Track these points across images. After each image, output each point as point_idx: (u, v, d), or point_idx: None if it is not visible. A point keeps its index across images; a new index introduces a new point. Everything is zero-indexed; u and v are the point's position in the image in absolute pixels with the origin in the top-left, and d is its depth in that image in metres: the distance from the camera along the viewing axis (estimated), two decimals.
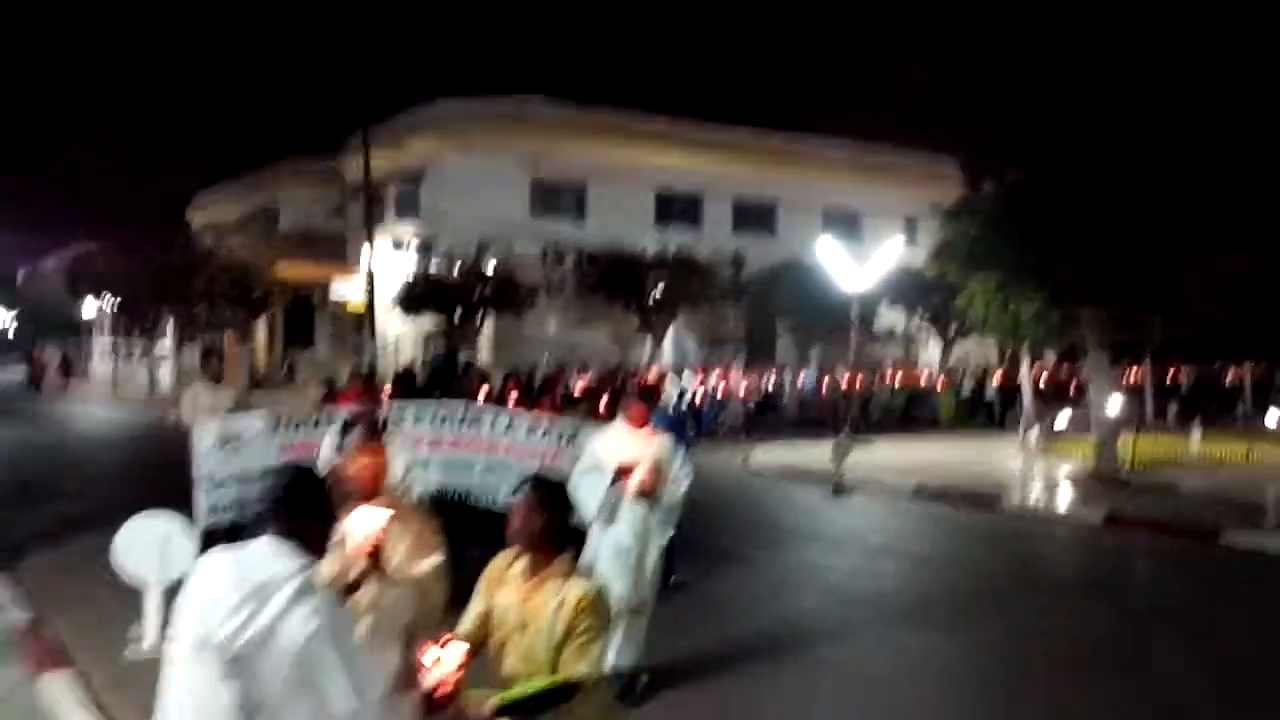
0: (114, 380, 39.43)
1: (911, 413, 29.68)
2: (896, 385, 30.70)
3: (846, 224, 37.26)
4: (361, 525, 3.85)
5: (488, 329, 31.28)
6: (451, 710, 3.37)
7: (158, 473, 10.87)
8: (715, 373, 26.12)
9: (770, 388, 27.32)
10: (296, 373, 36.62)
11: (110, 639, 7.34)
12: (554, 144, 33.89)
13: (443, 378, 19.89)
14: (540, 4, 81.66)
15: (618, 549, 6.57)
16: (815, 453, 18.66)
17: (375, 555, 3.87)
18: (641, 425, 6.86)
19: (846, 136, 39.67)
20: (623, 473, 6.59)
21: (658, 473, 6.65)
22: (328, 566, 3.77)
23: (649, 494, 6.62)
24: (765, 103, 55.50)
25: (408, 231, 34.60)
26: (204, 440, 8.58)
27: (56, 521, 12.18)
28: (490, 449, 9.08)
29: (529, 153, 33.23)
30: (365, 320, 29.56)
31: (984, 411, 30.45)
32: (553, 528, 3.68)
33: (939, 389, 30.75)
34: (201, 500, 8.32)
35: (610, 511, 6.61)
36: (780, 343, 37.39)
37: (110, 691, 6.38)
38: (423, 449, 8.72)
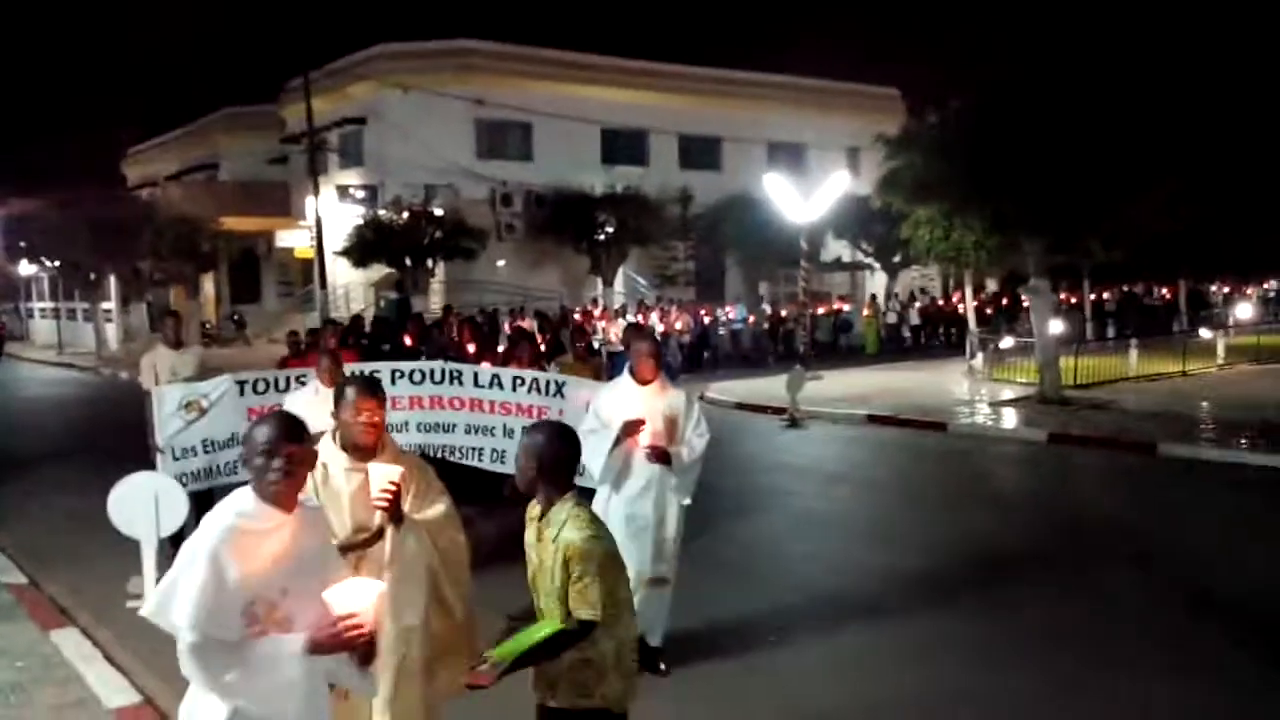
0: (59, 342, 38.93)
1: (836, 344, 29.91)
2: (819, 314, 30.35)
3: (791, 157, 37.56)
4: (377, 479, 3.95)
5: (439, 274, 31.31)
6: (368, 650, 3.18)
7: (121, 432, 11.01)
8: (655, 312, 26.30)
9: (705, 324, 27.30)
10: (247, 327, 36.41)
11: (108, 595, 7.59)
12: (497, 85, 33.73)
13: (393, 327, 19.90)
14: None
15: (630, 515, 6.09)
16: (759, 385, 19.35)
17: (393, 507, 3.99)
18: (650, 379, 6.21)
19: (788, 69, 39.85)
20: (629, 431, 6.02)
21: (671, 430, 6.12)
22: (343, 520, 4.05)
23: (661, 455, 6.05)
24: (708, 39, 55.29)
25: (352, 179, 34.38)
26: (165, 405, 8.26)
27: (32, 484, 12.32)
28: (473, 407, 8.67)
29: (472, 94, 33.04)
30: (314, 271, 29.48)
31: (912, 340, 31.14)
32: (550, 469, 3.69)
33: (863, 319, 30.99)
34: (165, 470, 7.96)
35: (618, 475, 6.11)
36: (729, 277, 37.83)
37: (116, 645, 6.66)
38: (400, 409, 8.45)
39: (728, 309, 29.71)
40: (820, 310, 30.23)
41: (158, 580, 7.27)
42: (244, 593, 2.96)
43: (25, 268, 40.99)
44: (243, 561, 2.96)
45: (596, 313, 25.81)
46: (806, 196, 23.71)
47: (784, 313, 29.22)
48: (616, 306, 27.31)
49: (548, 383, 8.62)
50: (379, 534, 4.08)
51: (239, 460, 7.56)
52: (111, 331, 36.29)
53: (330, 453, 4.14)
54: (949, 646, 6.73)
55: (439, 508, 4.24)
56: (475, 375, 8.80)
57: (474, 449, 8.63)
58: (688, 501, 6.34)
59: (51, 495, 11.62)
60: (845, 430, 16.37)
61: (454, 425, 8.65)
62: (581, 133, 35.03)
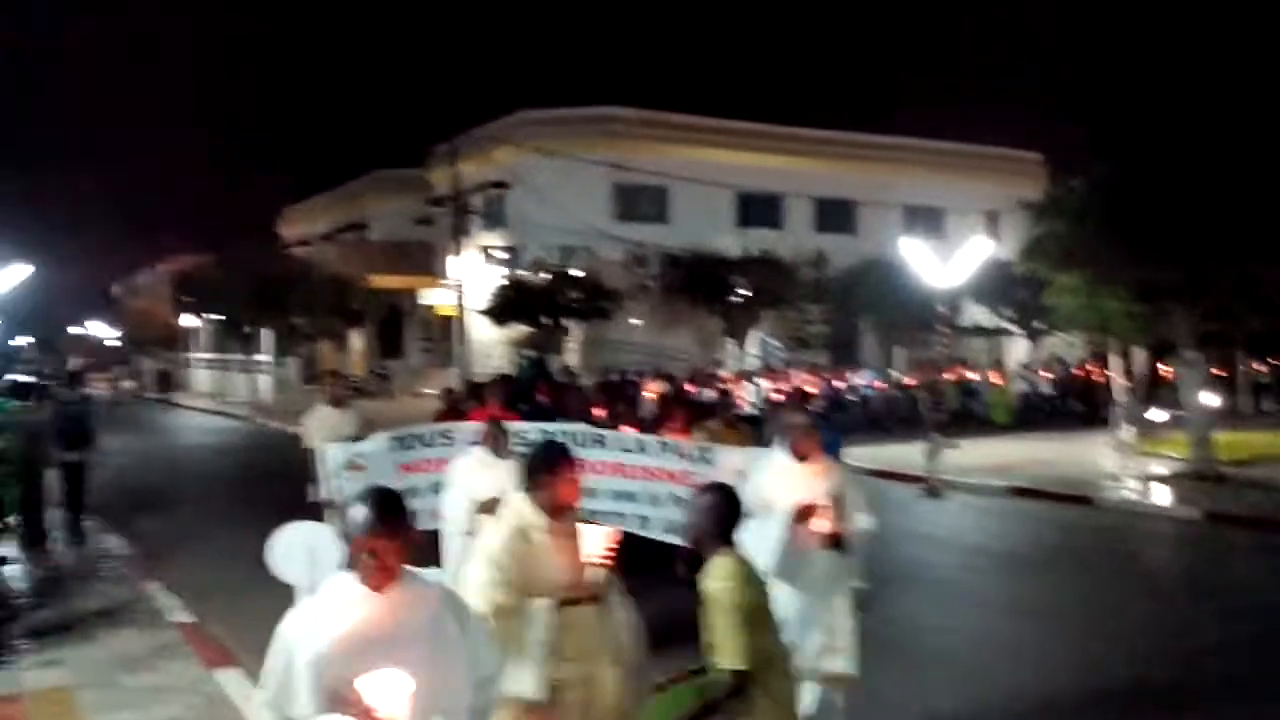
0: (215, 390, 40.96)
1: (965, 410, 27.96)
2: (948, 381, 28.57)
3: (929, 220, 37.23)
4: (594, 539, 4.26)
5: (574, 334, 31.90)
6: None
7: (273, 479, 11.44)
8: (784, 376, 26.10)
9: (836, 390, 26.67)
10: (390, 381, 37.66)
11: (266, 637, 7.93)
12: (635, 149, 34.44)
13: (528, 385, 20.32)
14: (616, 14, 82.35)
15: (805, 607, 5.58)
16: (892, 452, 19.04)
17: (608, 571, 4.27)
18: (809, 456, 5.80)
19: (925, 132, 39.67)
20: (802, 516, 5.54)
21: (836, 511, 5.63)
22: (551, 580, 4.25)
23: (835, 540, 5.58)
24: (843, 102, 55.42)
25: (494, 240, 35.41)
26: (332, 463, 8.52)
27: (194, 527, 12.98)
28: (615, 472, 8.50)
29: (610, 159, 33.79)
30: (455, 328, 30.41)
31: (1046, 410, 29.10)
32: (711, 528, 3.99)
33: (992, 387, 29.20)
34: (335, 526, 7.86)
35: (789, 564, 5.52)
36: (863, 341, 37.47)
37: None
38: (587, 473, 8.10)
39: (858, 374, 29.21)
40: (949, 377, 29.37)
41: None
42: (323, 671, 3.00)
43: (188, 320, 43.37)
44: (326, 641, 3.03)
45: (723, 375, 25.73)
46: (945, 261, 23.41)
47: (911, 380, 28.55)
48: (741, 369, 27.20)
49: (695, 449, 8.36)
50: (592, 598, 4.30)
51: None
52: (264, 382, 37.98)
53: (528, 515, 4.34)
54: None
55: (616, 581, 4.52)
56: (619, 440, 8.67)
57: (616, 514, 8.39)
58: (861, 585, 5.96)
59: (211, 536, 12.25)
60: (985, 501, 16.01)
61: (595, 490, 8.37)
62: (717, 196, 35.41)
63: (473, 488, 7.03)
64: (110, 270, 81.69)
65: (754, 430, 11.02)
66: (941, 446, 17.12)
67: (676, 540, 7.57)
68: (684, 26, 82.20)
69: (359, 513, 3.09)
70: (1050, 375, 30.62)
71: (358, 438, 9.12)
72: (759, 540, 5.20)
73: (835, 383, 27.32)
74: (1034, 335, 33.12)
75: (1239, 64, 16.76)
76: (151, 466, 20.40)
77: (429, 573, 3.42)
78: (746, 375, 26.05)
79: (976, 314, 34.74)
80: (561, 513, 4.35)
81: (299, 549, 7.82)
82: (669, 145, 35.11)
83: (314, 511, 8.46)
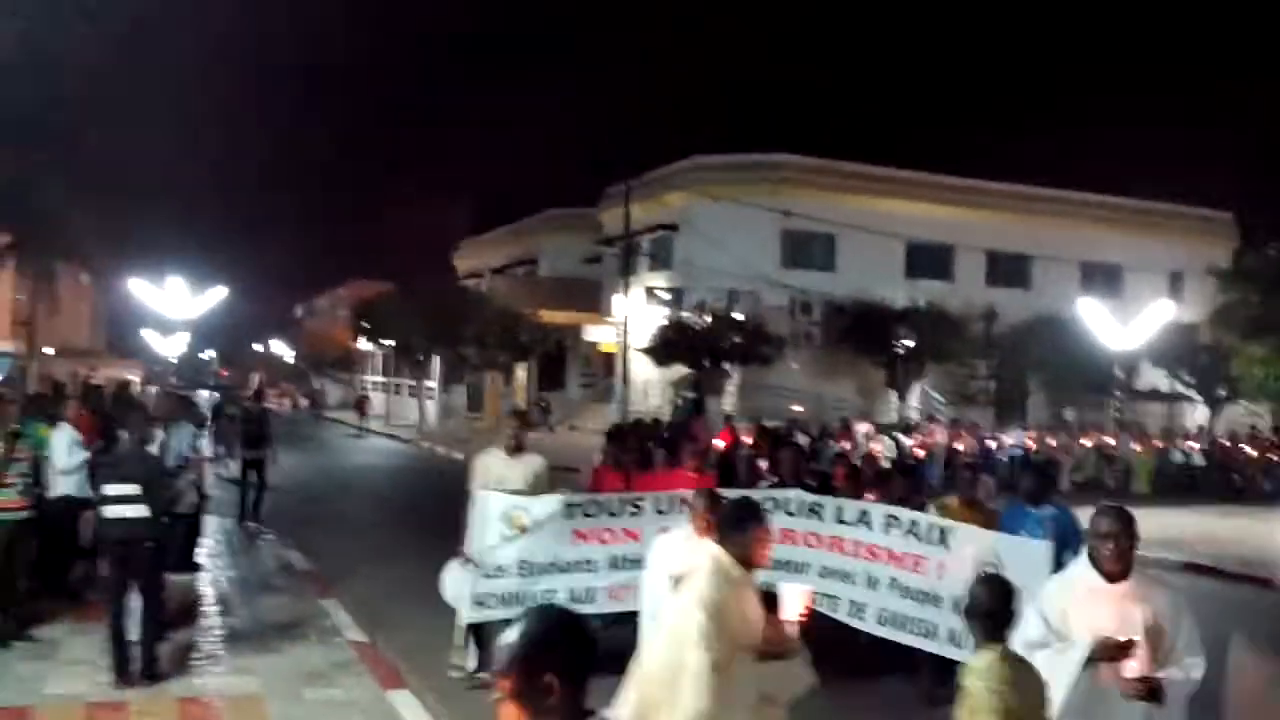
0: (386, 413, 42.68)
1: (1101, 479, 26.18)
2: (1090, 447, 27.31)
3: (1106, 279, 36.07)
4: (792, 601, 4.42)
5: (734, 378, 32.01)
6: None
7: (440, 503, 11.58)
8: (929, 432, 25.14)
9: (987, 449, 25.27)
10: (550, 413, 38.50)
11: (435, 661, 8.29)
12: (804, 197, 34.46)
13: (682, 426, 20.23)
14: (791, 59, 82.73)
15: None
16: None
17: (801, 630, 4.38)
18: (1122, 574, 4.36)
19: (1107, 187, 38.45)
20: (1113, 654, 4.20)
21: (1154, 647, 4.25)
22: (753, 628, 4.33)
23: (1153, 690, 4.19)
24: (1020, 153, 54.16)
25: (660, 281, 35.90)
26: (486, 511, 7.62)
27: (368, 551, 13.61)
28: (832, 546, 7.64)
29: (779, 205, 33.91)
30: (616, 365, 30.92)
31: (1186, 481, 26.30)
32: (977, 618, 4.10)
33: (1137, 454, 26.84)
34: (468, 585, 7.51)
35: (1084, 712, 4.24)
36: (1032, 401, 36.37)
37: (440, 708, 7.28)
38: (797, 545, 7.72)
39: (1008, 434, 27.45)
40: (1087, 442, 27.67)
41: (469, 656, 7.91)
42: None
43: (364, 344, 45.37)
44: None
45: (861, 431, 24.27)
46: (1123, 322, 22.67)
47: (1054, 442, 26.97)
48: (870, 425, 25.57)
49: (930, 527, 7.24)
50: (780, 654, 4.41)
51: (553, 591, 7.53)
52: (432, 408, 39.38)
53: (726, 565, 4.36)
54: None
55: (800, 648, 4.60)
56: (839, 510, 7.73)
57: (829, 597, 7.48)
58: None
59: (383, 556, 12.82)
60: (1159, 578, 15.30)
61: (807, 565, 7.65)
62: (885, 246, 35.09)
63: (678, 568, 5.70)
64: (293, 294, 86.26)
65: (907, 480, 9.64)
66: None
67: (889, 635, 7.32)
68: (858, 74, 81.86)
69: (507, 639, 2.30)
70: (1196, 445, 28.61)
71: (528, 493, 8.04)
72: (1048, 678, 4.15)
73: (988, 441, 26.08)
74: (1214, 403, 31.57)
75: None
76: (324, 484, 21.41)
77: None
78: (887, 429, 25.10)
79: (1154, 378, 33.35)
80: (750, 571, 4.44)
81: (462, 583, 8.01)
82: (838, 193, 35.01)
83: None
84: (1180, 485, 25.99)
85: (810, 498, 7.90)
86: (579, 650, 2.29)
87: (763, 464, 12.89)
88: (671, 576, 5.74)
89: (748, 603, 4.35)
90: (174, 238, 43.53)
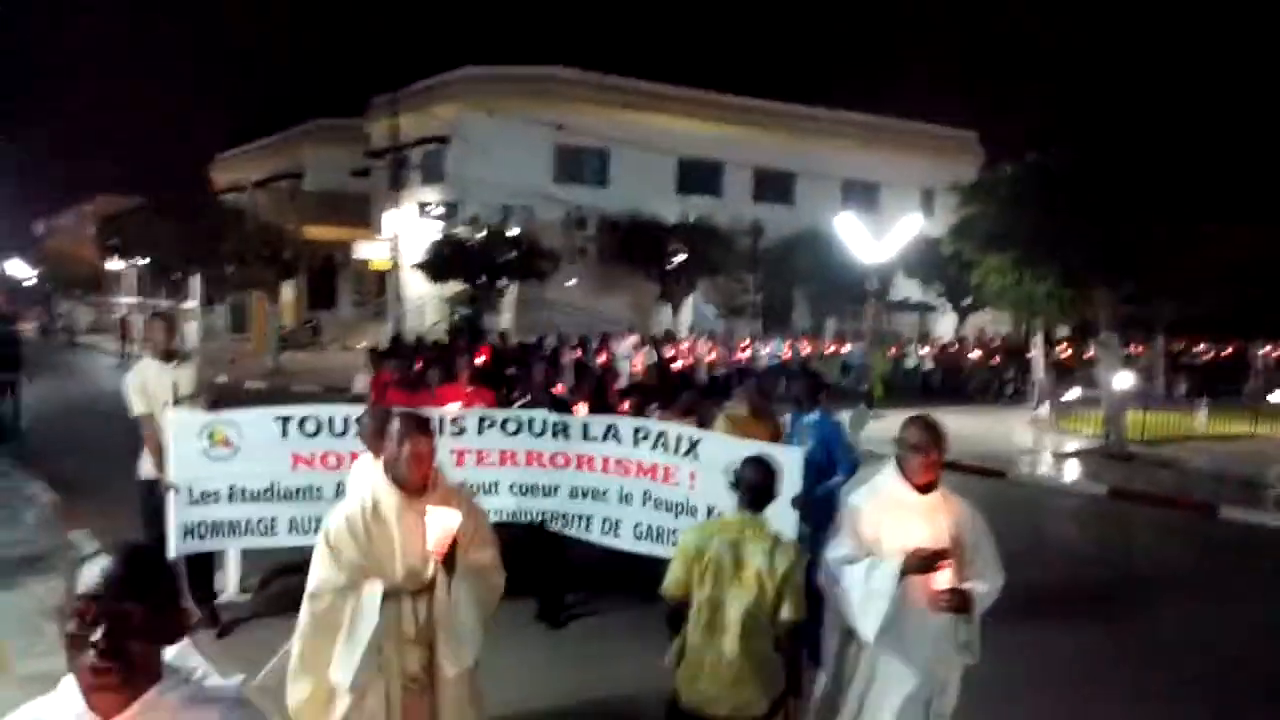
0: (125, 333, 40.21)
1: (840, 384, 26.63)
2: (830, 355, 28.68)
3: (865, 195, 37.80)
4: (436, 525, 3.85)
5: (510, 294, 31.89)
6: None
7: None
8: (692, 342, 25.75)
9: (737, 361, 25.38)
10: (321, 333, 37.34)
11: None
12: (577, 111, 34.35)
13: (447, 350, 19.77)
14: None
15: (911, 694, 4.29)
16: None
17: (450, 556, 3.91)
18: (930, 485, 4.34)
19: (866, 107, 40.13)
20: (924, 566, 4.11)
21: (958, 559, 4.21)
22: (393, 561, 3.98)
23: (962, 602, 4.14)
24: (786, 74, 55.66)
25: (432, 196, 35.16)
26: (182, 434, 6.84)
27: (124, 481, 12.87)
28: (580, 464, 7.32)
29: (552, 119, 33.68)
30: (389, 282, 30.20)
31: (922, 385, 28.58)
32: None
33: (873, 360, 27.32)
34: (178, 514, 6.82)
35: (900, 626, 4.19)
36: (797, 312, 37.98)
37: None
38: (488, 464, 7.32)
39: (766, 344, 28.10)
40: (832, 349, 29.05)
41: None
42: None
43: (114, 263, 42.47)
44: None
45: (629, 343, 23.87)
46: (878, 236, 23.86)
47: (808, 350, 27.94)
48: (639, 335, 25.57)
49: (679, 438, 6.94)
50: (431, 583, 4.00)
51: (273, 520, 6.87)
52: (192, 330, 37.40)
53: (380, 487, 4.04)
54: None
55: (488, 553, 4.19)
56: (585, 427, 7.37)
57: (581, 516, 7.34)
58: (972, 661, 4.42)
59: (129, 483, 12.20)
60: None
61: (556, 487, 7.37)
62: (658, 162, 35.51)
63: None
64: (34, 210, 79.62)
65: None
66: (866, 417, 17.55)
67: (648, 550, 7.05)
68: None
69: (92, 569, 2.06)
70: (927, 351, 30.68)
71: (198, 398, 7.42)
72: (864, 601, 4.19)
73: (740, 353, 26.21)
74: (962, 311, 33.85)
75: (1172, 54, 17.26)
76: (79, 415, 20.11)
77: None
78: (651, 341, 24.58)
79: (908, 288, 35.42)
80: (408, 487, 4.03)
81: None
82: (611, 109, 35.07)
83: (148, 497, 7.39)
84: (912, 389, 27.83)
85: (555, 416, 7.47)
86: (160, 578, 2.15)
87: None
88: None
89: (393, 529, 3.97)
90: None
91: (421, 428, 4.06)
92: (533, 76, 34.87)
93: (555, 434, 7.37)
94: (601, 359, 20.22)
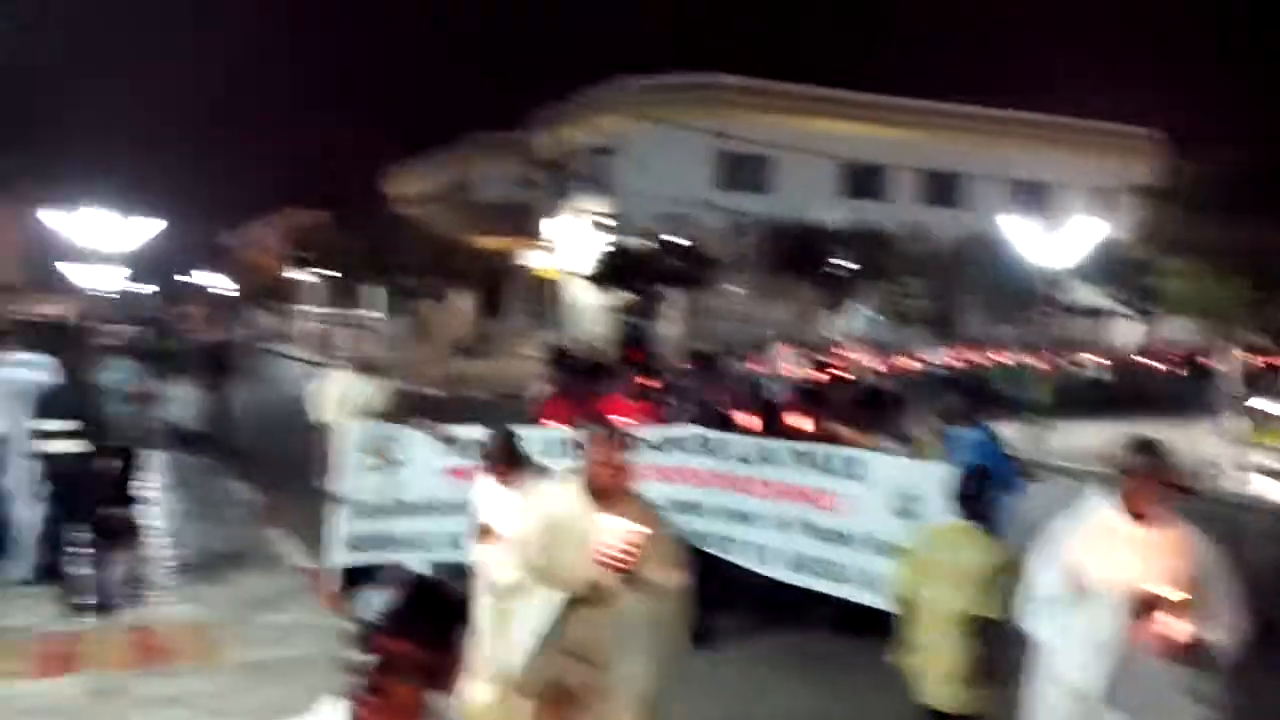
0: (324, 344, 42.29)
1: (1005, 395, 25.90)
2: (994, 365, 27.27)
3: (1037, 196, 36.58)
4: (612, 535, 3.72)
5: (676, 303, 32.16)
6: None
7: None
8: (852, 350, 24.94)
9: (901, 370, 24.43)
10: (492, 341, 38.43)
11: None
12: (739, 118, 34.43)
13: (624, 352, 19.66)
14: None
15: None
16: None
17: (627, 568, 3.74)
18: (1148, 515, 3.90)
19: (1036, 106, 38.91)
20: (1140, 607, 3.68)
21: (1198, 607, 3.70)
22: (578, 573, 3.83)
23: (1187, 649, 3.68)
24: (952, 73, 54.43)
25: (596, 206, 35.78)
26: (349, 446, 7.03)
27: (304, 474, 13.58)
28: (735, 486, 6.96)
29: (714, 127, 33.83)
30: (555, 292, 30.87)
31: (1096, 395, 26.42)
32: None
33: (1033, 371, 26.09)
34: (341, 527, 7.11)
35: (1116, 674, 3.76)
36: (966, 319, 37.00)
37: None
38: (673, 481, 7.05)
39: (932, 352, 27.35)
40: (999, 358, 27.77)
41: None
42: None
43: (299, 273, 44.75)
44: None
45: (784, 353, 22.77)
46: (1052, 238, 23.07)
47: (976, 359, 26.82)
48: (792, 348, 24.11)
49: (842, 460, 6.61)
50: (609, 595, 3.84)
51: (433, 535, 6.82)
52: (374, 339, 39.08)
53: (572, 494, 4.02)
54: None
55: (675, 577, 3.99)
56: (736, 446, 7.16)
57: (726, 539, 6.99)
58: (1212, 717, 3.89)
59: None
60: (1081, 486, 15.86)
61: (702, 506, 7.09)
62: (820, 167, 35.26)
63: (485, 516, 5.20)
64: (225, 224, 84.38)
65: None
66: (1038, 428, 17.00)
67: (803, 582, 6.69)
68: None
69: (374, 598, 2.08)
70: (1101, 360, 29.26)
71: (386, 417, 7.53)
72: (1064, 635, 3.85)
73: (901, 361, 25.10)
74: (1145, 318, 32.36)
75: None
76: (267, 415, 21.27)
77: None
78: (808, 351, 23.56)
79: (1087, 294, 34.08)
80: (600, 497, 3.95)
81: None
82: (773, 114, 35.03)
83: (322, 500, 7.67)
84: (1086, 399, 25.71)
85: (706, 434, 7.24)
86: (440, 619, 2.10)
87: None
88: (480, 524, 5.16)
89: (579, 536, 3.85)
90: (105, 170, 42.33)
91: (616, 437, 4.04)
92: (694, 84, 35.14)
93: (710, 452, 7.11)
94: (756, 369, 19.80)
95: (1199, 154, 17.75)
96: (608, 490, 3.93)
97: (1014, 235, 23.54)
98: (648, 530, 3.78)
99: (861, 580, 6.36)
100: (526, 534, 4.01)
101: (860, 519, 6.45)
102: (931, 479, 6.11)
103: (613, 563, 3.71)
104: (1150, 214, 17.96)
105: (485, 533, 4.95)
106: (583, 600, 3.84)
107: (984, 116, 38.41)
